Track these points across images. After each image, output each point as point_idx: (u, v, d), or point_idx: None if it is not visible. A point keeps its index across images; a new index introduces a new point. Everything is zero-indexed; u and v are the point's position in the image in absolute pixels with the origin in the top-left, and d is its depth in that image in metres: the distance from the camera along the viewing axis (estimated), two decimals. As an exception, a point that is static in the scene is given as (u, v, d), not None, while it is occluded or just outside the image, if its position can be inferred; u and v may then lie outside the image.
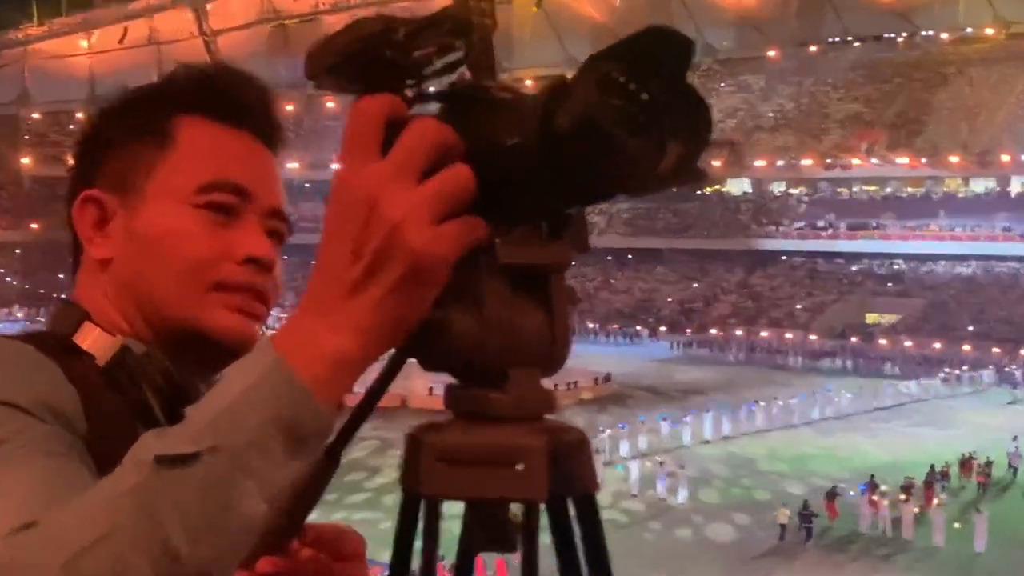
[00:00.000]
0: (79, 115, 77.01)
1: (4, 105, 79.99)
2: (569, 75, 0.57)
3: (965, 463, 28.79)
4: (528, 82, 69.67)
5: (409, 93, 0.65)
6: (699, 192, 63.05)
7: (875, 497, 24.82)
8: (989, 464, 28.57)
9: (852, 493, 25.65)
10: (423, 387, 26.76)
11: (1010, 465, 29.45)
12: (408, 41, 0.63)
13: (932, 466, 27.77)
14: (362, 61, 0.63)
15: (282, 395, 0.59)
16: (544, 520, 0.66)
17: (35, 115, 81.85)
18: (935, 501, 24.85)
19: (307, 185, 61.63)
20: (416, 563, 0.67)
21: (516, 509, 0.65)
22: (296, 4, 77.98)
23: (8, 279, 68.44)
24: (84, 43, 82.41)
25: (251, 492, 0.59)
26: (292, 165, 64.95)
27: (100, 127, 0.95)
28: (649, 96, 0.58)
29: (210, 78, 0.94)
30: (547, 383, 0.67)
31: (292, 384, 0.60)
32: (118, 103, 0.95)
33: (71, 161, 0.97)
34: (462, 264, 0.61)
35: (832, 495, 25.30)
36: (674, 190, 0.60)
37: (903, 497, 24.66)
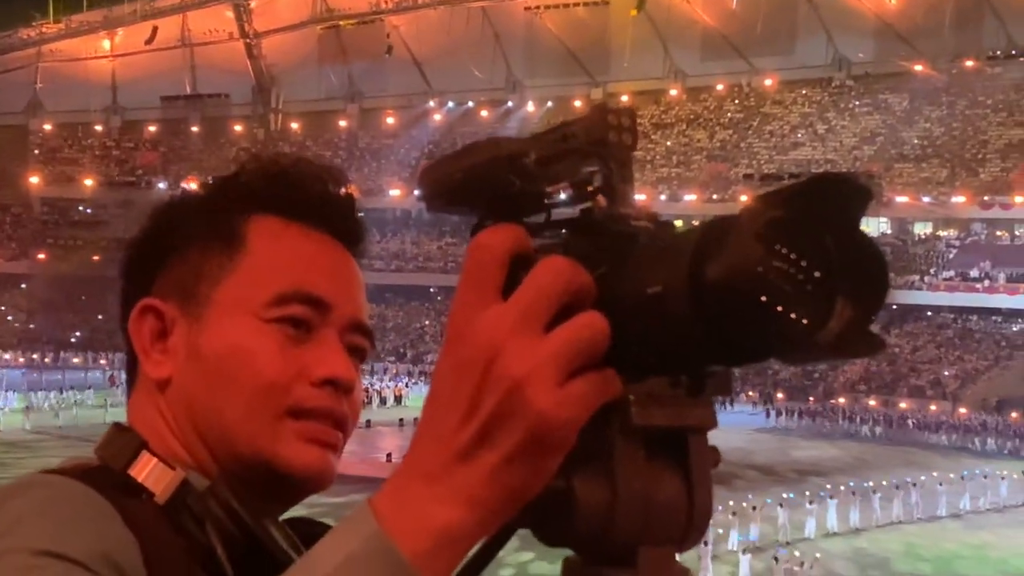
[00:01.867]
0: (98, 127, 71.56)
1: (12, 115, 72.24)
2: (727, 215, 0.50)
3: None
4: (624, 97, 63.11)
5: (535, 222, 0.59)
6: None
7: None
8: None
9: None
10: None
11: None
12: (539, 168, 0.57)
13: None
14: (487, 189, 0.58)
15: (383, 572, 0.53)
16: None
17: (47, 127, 74.39)
18: None
19: (365, 211, 57.32)
20: None
21: None
22: (353, 2, 70.25)
23: (10, 318, 62.15)
24: (106, 44, 74.81)
25: None
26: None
27: (162, 225, 0.88)
28: (818, 254, 0.50)
29: (285, 172, 0.87)
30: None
31: (395, 559, 0.53)
32: (183, 199, 0.90)
33: (126, 263, 0.89)
34: (590, 424, 0.53)
35: None
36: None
37: None
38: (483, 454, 0.52)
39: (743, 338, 0.49)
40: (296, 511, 0.87)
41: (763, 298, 0.47)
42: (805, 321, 0.49)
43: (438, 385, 0.55)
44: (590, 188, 0.57)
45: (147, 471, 0.79)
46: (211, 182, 0.90)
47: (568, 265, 0.53)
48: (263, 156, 0.91)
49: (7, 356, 55.43)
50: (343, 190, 0.89)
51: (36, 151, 70.96)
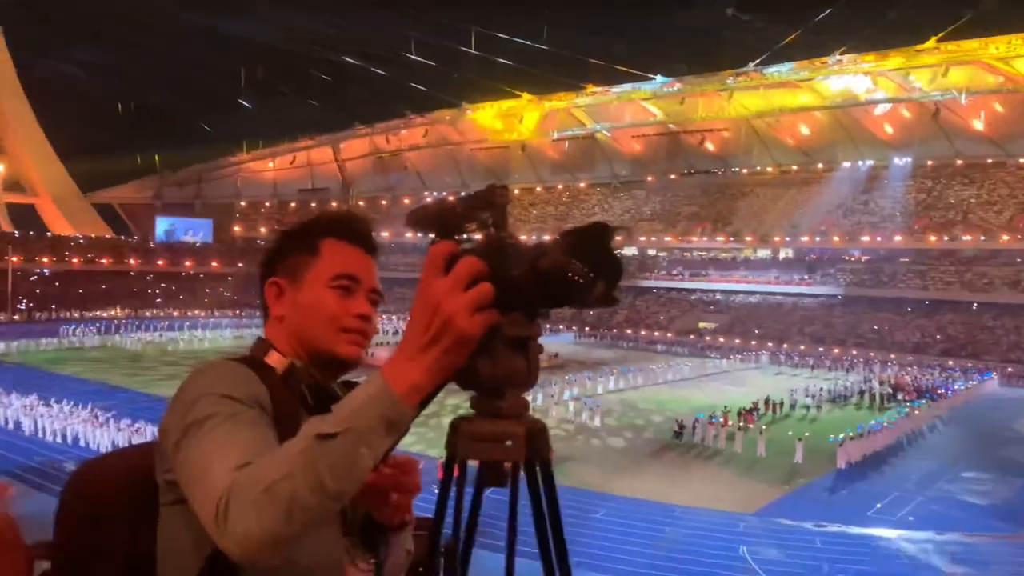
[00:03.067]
0: (267, 203, 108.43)
1: (226, 197, 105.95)
2: (549, 238, 1.09)
3: (761, 404, 36.76)
4: (516, 191, 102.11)
5: (460, 240, 1.16)
6: None
7: (713, 422, 31.05)
8: (768, 404, 37.12)
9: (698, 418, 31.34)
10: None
11: (792, 407, 38.43)
12: (463, 213, 1.17)
13: (757, 402, 36.48)
14: (437, 222, 1.19)
15: (386, 403, 1.08)
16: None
17: (243, 203, 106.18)
18: (740, 424, 31.77)
19: (393, 244, 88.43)
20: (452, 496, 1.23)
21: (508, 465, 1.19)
22: (388, 145, 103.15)
23: (225, 293, 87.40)
24: (271, 164, 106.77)
25: (366, 455, 1.07)
26: (385, 234, 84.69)
27: (281, 242, 1.56)
28: (591, 258, 1.03)
29: (340, 217, 1.56)
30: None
31: (391, 396, 1.08)
32: (291, 228, 1.57)
33: (264, 259, 1.57)
34: (485, 336, 1.10)
35: (721, 413, 32.48)
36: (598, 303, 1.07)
37: (727, 422, 31.79)
38: (433, 349, 1.07)
39: (556, 297, 1.07)
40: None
41: (567, 276, 1.02)
42: (585, 285, 1.03)
43: (413, 315, 1.10)
44: (486, 223, 1.15)
45: (273, 359, 1.45)
46: (308, 219, 1.56)
47: (475, 259, 1.08)
48: (331, 211, 1.65)
49: (227, 312, 79.24)
50: (367, 226, 1.57)
51: (237, 215, 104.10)
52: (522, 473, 1.23)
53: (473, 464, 1.22)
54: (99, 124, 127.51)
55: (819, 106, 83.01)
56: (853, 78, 77.35)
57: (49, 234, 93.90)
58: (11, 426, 30.38)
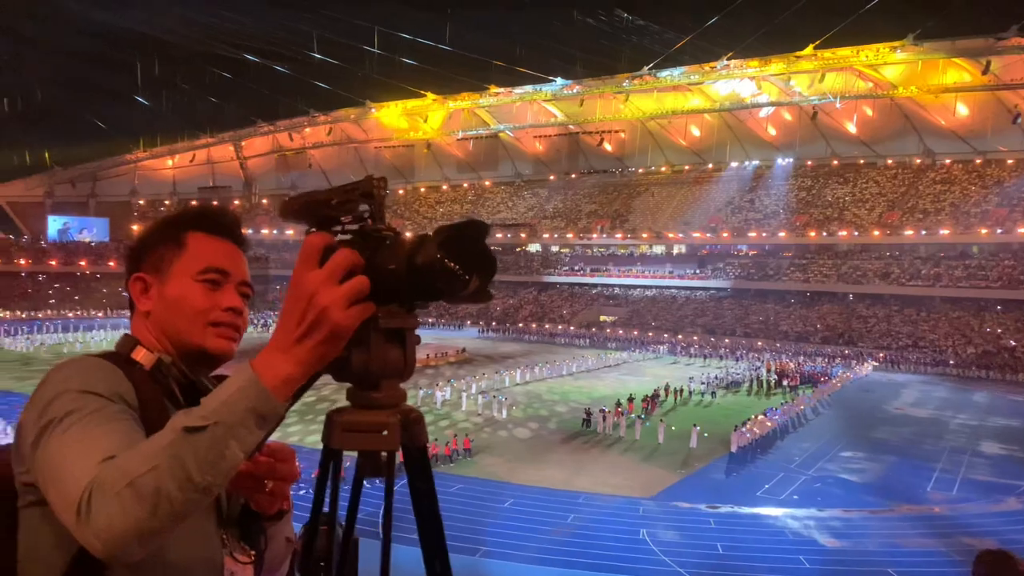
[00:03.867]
0: (167, 202, 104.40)
1: (123, 195, 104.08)
2: (427, 232, 1.03)
3: (660, 392, 37.70)
4: (422, 189, 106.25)
5: (337, 232, 1.13)
6: (516, 250, 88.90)
7: (611, 411, 31.56)
8: (668, 391, 38.32)
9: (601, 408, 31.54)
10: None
11: (689, 394, 39.46)
12: (338, 204, 1.12)
13: (658, 390, 37.58)
14: (312, 213, 1.13)
15: (255, 395, 1.05)
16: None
17: (141, 202, 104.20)
18: (644, 411, 32.80)
19: (295, 242, 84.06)
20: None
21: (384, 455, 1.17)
22: (292, 143, 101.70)
23: (124, 293, 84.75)
24: (169, 162, 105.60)
25: (236, 448, 1.04)
26: (290, 232, 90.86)
27: (145, 237, 1.49)
28: (464, 254, 1.03)
29: (206, 210, 1.50)
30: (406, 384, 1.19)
31: (261, 389, 1.05)
32: (156, 222, 1.49)
33: (128, 253, 1.49)
34: (360, 328, 1.07)
35: (615, 405, 32.21)
36: (474, 298, 1.06)
37: (632, 409, 32.55)
38: (307, 341, 1.05)
39: (430, 291, 1.06)
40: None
41: (441, 271, 1.02)
42: (459, 283, 1.03)
43: (286, 307, 1.06)
44: (363, 216, 1.12)
45: (140, 355, 1.39)
46: (173, 213, 1.49)
47: (350, 252, 1.06)
48: (199, 205, 1.53)
49: (125, 312, 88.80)
50: (234, 219, 1.51)
51: (135, 214, 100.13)
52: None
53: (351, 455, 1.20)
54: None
55: (708, 109, 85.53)
56: (739, 82, 79.91)
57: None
58: None
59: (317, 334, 1.06)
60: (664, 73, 79.37)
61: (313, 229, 1.14)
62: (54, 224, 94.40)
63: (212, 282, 1.45)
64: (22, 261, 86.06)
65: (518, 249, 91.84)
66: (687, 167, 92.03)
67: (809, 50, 69.17)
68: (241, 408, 1.05)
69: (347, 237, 1.13)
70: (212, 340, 1.43)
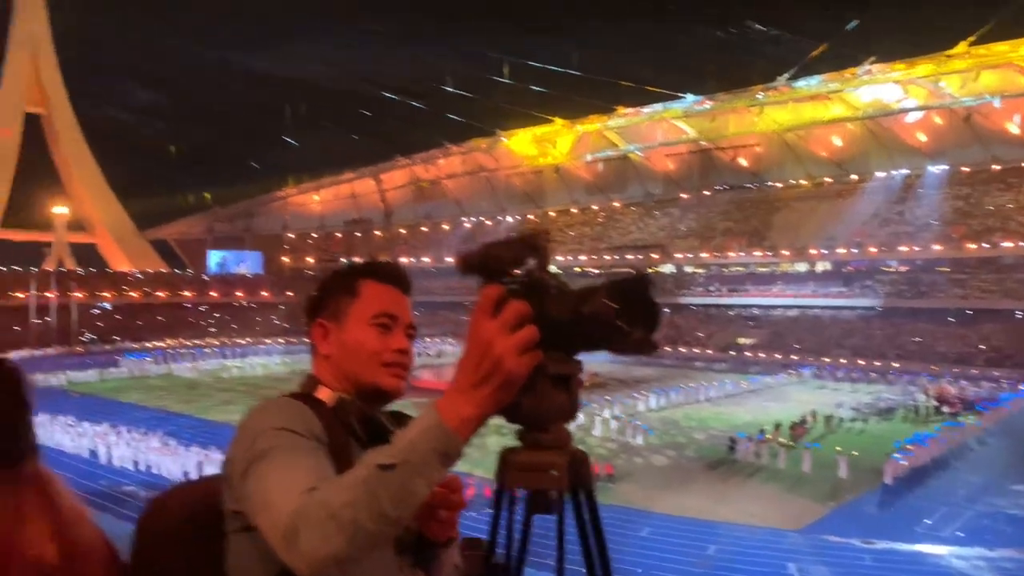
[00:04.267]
0: (314, 234, 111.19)
1: (274, 230, 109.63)
2: (593, 284, 1.13)
3: (808, 418, 35.67)
4: (552, 213, 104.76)
5: (508, 282, 1.22)
6: (648, 272, 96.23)
7: (760, 439, 30.52)
8: (816, 418, 36.24)
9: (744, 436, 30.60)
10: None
11: (839, 421, 36.89)
12: (511, 259, 1.25)
13: (806, 416, 35.73)
14: (486, 267, 1.25)
15: (440, 436, 1.16)
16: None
17: (291, 235, 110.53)
18: (792, 439, 31.37)
19: (433, 269, 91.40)
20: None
21: (553, 494, 1.26)
22: (427, 174, 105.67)
23: (276, 321, 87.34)
24: (316, 196, 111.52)
25: (422, 484, 1.15)
26: (426, 259, 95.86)
27: (324, 286, 1.69)
28: (630, 306, 1.11)
29: (376, 263, 1.68)
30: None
31: (444, 430, 1.16)
32: (333, 273, 1.69)
33: (309, 303, 1.68)
34: (530, 374, 1.16)
35: (773, 427, 31.68)
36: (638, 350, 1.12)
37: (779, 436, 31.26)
38: (484, 387, 1.15)
39: (595, 342, 1.15)
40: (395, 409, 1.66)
41: (608, 322, 1.10)
42: (625, 332, 1.10)
43: (465, 354, 1.18)
44: (531, 267, 1.23)
45: (324, 394, 1.56)
46: (347, 265, 1.70)
47: (522, 303, 1.16)
48: (370, 259, 1.72)
49: (278, 339, 77.44)
50: (400, 268, 1.68)
51: (286, 247, 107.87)
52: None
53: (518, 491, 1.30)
54: (153, 164, 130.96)
55: (850, 117, 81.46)
56: (883, 87, 76.18)
57: (109, 270, 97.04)
58: (86, 453, 30.97)
59: (493, 380, 1.16)
60: (801, 83, 76.65)
61: (486, 281, 1.24)
62: (214, 258, 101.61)
63: (383, 326, 1.61)
64: (187, 293, 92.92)
65: (651, 270, 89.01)
66: (829, 179, 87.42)
67: (962, 47, 64.86)
68: (427, 447, 1.16)
69: (516, 287, 1.22)
70: (385, 379, 1.60)
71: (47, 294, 76.44)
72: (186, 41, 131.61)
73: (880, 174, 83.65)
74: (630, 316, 1.12)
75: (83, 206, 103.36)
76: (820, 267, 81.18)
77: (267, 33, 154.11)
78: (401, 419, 1.61)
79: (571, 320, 1.16)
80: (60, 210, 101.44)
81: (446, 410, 1.18)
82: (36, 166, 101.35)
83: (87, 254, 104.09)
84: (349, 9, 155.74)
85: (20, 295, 76.58)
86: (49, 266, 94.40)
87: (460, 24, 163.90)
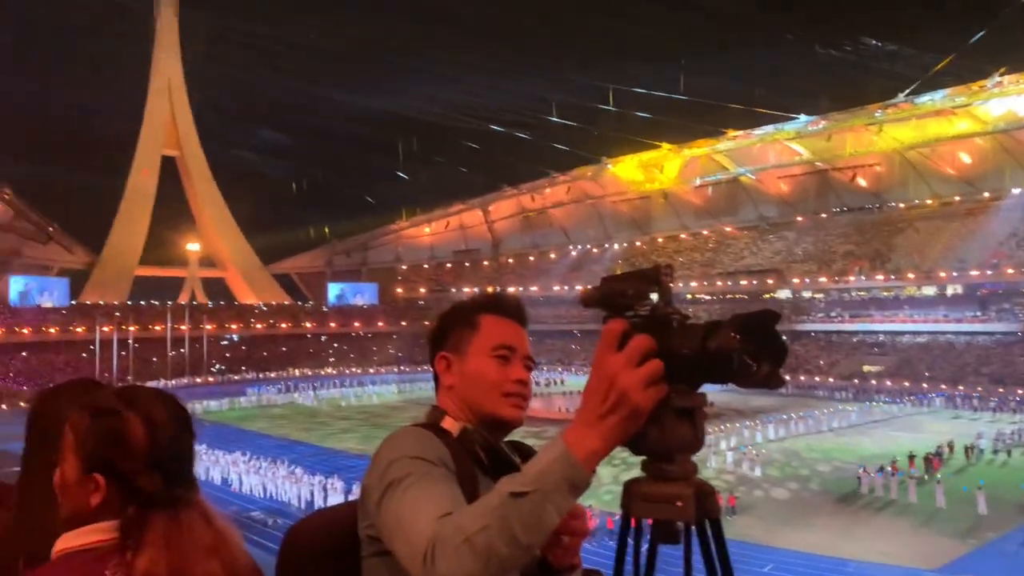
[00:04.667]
0: (424, 265, 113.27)
1: (388, 262, 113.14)
2: (718, 319, 1.17)
3: (944, 449, 34.66)
4: (660, 239, 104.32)
5: (631, 316, 1.26)
6: (764, 297, 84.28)
7: (888, 469, 29.48)
8: (952, 449, 35.33)
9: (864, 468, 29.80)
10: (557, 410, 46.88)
11: (980, 452, 35.97)
12: (634, 294, 1.28)
13: (941, 447, 34.51)
14: (608, 301, 1.29)
15: (568, 466, 1.18)
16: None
17: (403, 267, 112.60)
18: (925, 471, 30.55)
19: (541, 298, 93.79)
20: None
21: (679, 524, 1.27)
22: (533, 204, 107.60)
23: (391, 351, 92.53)
24: (427, 229, 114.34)
25: (552, 512, 1.17)
26: (533, 288, 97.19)
27: (444, 320, 1.75)
28: (756, 341, 1.13)
29: (494, 296, 1.75)
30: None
31: (573, 461, 1.18)
32: (453, 308, 1.77)
33: (431, 335, 1.75)
34: (655, 407, 1.19)
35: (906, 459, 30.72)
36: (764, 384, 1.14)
37: (913, 466, 30.64)
38: (610, 419, 1.18)
39: (721, 375, 1.15)
40: (515, 438, 1.71)
41: (735, 357, 1.11)
42: (751, 367, 1.12)
43: (591, 387, 1.20)
44: (654, 301, 1.26)
45: (449, 424, 1.62)
46: (467, 299, 1.76)
47: (646, 337, 1.18)
48: (487, 292, 1.90)
49: (392, 368, 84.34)
50: (517, 301, 1.75)
51: (399, 278, 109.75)
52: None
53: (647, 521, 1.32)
54: (276, 202, 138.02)
55: (980, 132, 77.10)
56: (1016, 99, 71.72)
57: (236, 303, 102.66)
58: (218, 480, 32.87)
59: (619, 413, 1.18)
60: (923, 98, 73.45)
61: (610, 316, 1.27)
62: (333, 290, 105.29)
63: (503, 357, 1.67)
64: (308, 324, 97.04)
65: (766, 296, 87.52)
66: (957, 198, 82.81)
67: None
68: (556, 477, 1.18)
69: (639, 321, 1.24)
70: (506, 409, 1.66)
71: (181, 327, 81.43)
72: (306, 83, 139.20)
73: (1016, 191, 78.46)
74: (756, 351, 1.12)
75: (213, 243, 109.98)
76: (951, 290, 77.07)
77: (382, 73, 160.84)
78: (521, 449, 1.71)
79: (697, 355, 1.17)
80: (193, 247, 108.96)
81: (574, 442, 1.19)
82: (171, 206, 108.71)
83: (216, 288, 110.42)
84: (456, 46, 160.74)
85: (158, 328, 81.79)
86: (183, 300, 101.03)
87: (564, 53, 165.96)
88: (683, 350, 1.19)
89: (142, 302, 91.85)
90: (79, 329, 77.74)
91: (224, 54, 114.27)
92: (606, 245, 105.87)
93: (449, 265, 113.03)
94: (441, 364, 1.71)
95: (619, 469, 25.44)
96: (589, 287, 1.36)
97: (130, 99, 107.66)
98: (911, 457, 32.06)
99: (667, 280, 1.28)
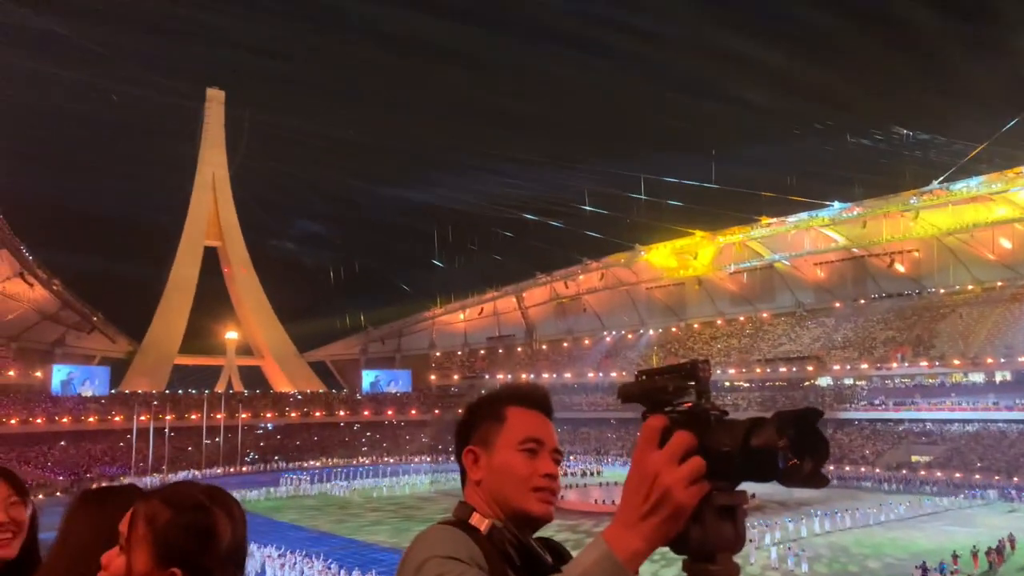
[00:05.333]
0: (459, 352, 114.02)
1: (422, 349, 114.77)
2: (760, 415, 1.16)
3: (1006, 544, 33.55)
4: (695, 325, 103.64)
5: (670, 412, 1.26)
6: (803, 385, 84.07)
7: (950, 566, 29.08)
8: (1013, 544, 34.19)
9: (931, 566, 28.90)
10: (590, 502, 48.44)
11: None
12: (674, 391, 1.27)
13: (1003, 540, 33.56)
14: (647, 396, 1.29)
15: (610, 568, 1.16)
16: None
17: (437, 353, 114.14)
18: (990, 565, 29.91)
19: (575, 385, 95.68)
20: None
21: None
22: (567, 290, 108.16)
23: (424, 439, 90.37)
24: (461, 315, 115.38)
25: None
26: (567, 375, 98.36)
27: (472, 413, 1.76)
28: (800, 437, 1.13)
29: (520, 387, 1.74)
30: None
31: (615, 562, 1.16)
32: (480, 400, 1.77)
33: (459, 428, 1.76)
34: (697, 504, 1.19)
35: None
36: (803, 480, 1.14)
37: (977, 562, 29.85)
38: (652, 519, 1.16)
39: (765, 472, 1.15)
40: (548, 535, 1.72)
41: (778, 455, 1.12)
42: (794, 465, 1.12)
43: (631, 485, 1.19)
44: (692, 398, 1.26)
45: (476, 520, 1.59)
46: (493, 392, 1.76)
47: (687, 435, 1.18)
48: (514, 382, 1.83)
49: (425, 457, 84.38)
50: (544, 392, 1.75)
51: (433, 364, 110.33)
52: None
53: None
54: (313, 290, 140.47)
55: (1019, 218, 76.58)
56: (1054, 185, 71.17)
57: (271, 392, 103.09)
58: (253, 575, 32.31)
59: (662, 512, 1.17)
60: (959, 185, 73.72)
61: (648, 412, 1.28)
62: (367, 377, 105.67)
63: (530, 451, 1.67)
64: (341, 412, 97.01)
65: (805, 384, 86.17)
66: (1000, 283, 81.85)
67: None
68: None
69: (678, 417, 1.25)
70: (535, 504, 1.64)
71: (216, 415, 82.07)
72: (345, 175, 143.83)
73: (1061, 275, 76.74)
74: (800, 449, 1.13)
75: (251, 331, 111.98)
76: (999, 377, 74.69)
77: (418, 165, 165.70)
78: (551, 546, 1.70)
79: (739, 452, 1.17)
80: (231, 335, 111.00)
81: (615, 541, 1.18)
82: (211, 295, 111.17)
83: (253, 376, 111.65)
84: (490, 138, 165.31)
85: (194, 416, 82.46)
86: (220, 388, 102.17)
87: (597, 144, 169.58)
88: (724, 447, 1.18)
89: (179, 391, 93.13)
90: (117, 418, 78.65)
91: (267, 149, 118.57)
92: (640, 331, 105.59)
93: (483, 352, 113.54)
94: (469, 458, 1.72)
95: (659, 565, 24.76)
96: (627, 382, 1.36)
97: (175, 193, 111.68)
98: (974, 553, 30.77)
99: (705, 375, 1.27)
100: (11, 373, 77.43)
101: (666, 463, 1.17)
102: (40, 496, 53.16)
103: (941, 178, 73.32)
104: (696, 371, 1.28)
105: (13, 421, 70.95)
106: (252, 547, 34.35)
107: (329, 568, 30.20)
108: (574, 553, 1.31)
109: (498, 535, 1.59)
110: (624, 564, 1.17)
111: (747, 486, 1.23)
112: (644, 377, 1.34)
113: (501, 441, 1.68)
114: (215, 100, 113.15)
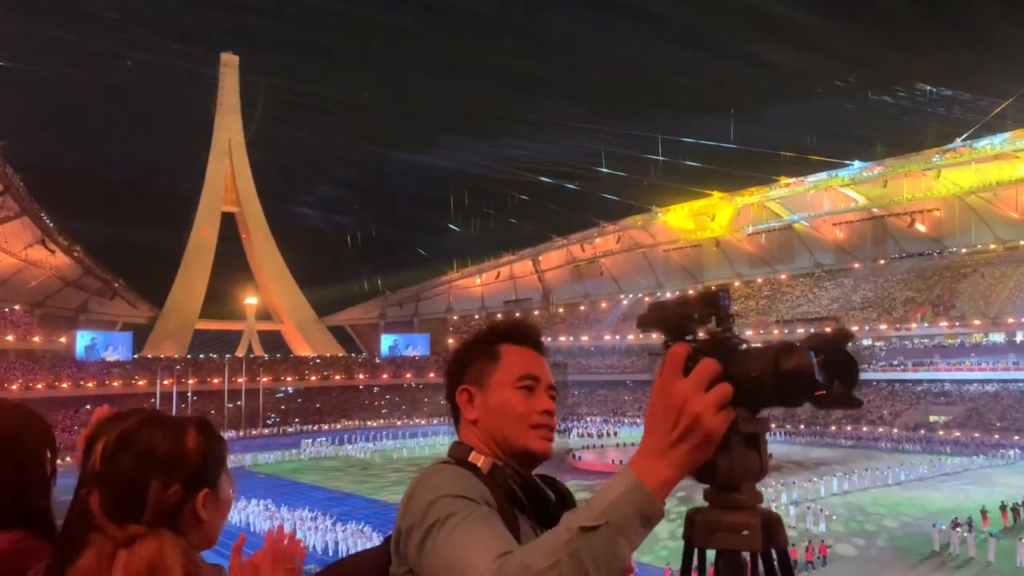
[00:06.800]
0: (476, 316, 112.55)
1: (439, 313, 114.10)
2: (789, 341, 1.14)
3: (1015, 507, 32.47)
4: (714, 287, 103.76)
5: (692, 340, 1.24)
6: None
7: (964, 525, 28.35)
8: None
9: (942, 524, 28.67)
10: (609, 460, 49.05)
11: None
12: (697, 319, 1.25)
13: (1018, 503, 32.55)
14: (670, 325, 1.27)
15: (640, 498, 1.13)
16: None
17: (455, 318, 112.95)
18: (1006, 526, 29.96)
19: (592, 348, 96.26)
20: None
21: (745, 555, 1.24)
22: (583, 253, 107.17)
23: (442, 401, 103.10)
24: (478, 280, 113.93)
25: (625, 546, 1.11)
26: (584, 338, 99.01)
27: (464, 352, 1.71)
28: (831, 360, 1.11)
29: (512, 324, 1.72)
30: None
31: (644, 492, 1.13)
32: (471, 339, 1.73)
33: (449, 368, 1.70)
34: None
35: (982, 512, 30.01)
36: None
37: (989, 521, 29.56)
38: (681, 446, 1.14)
39: (795, 396, 1.13)
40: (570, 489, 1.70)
41: (810, 377, 1.09)
42: (827, 386, 1.10)
43: (655, 414, 1.16)
44: (715, 326, 1.24)
45: (475, 459, 1.58)
46: (485, 330, 1.73)
47: (714, 361, 1.15)
48: (504, 320, 1.78)
49: (443, 419, 71.85)
50: (536, 330, 1.72)
51: (451, 328, 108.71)
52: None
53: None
54: (331, 255, 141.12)
55: (1045, 174, 74.76)
56: (1082, 141, 69.81)
57: (291, 356, 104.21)
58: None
59: (691, 439, 1.14)
60: (982, 143, 72.28)
61: (671, 340, 1.24)
62: (386, 342, 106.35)
63: (527, 388, 1.64)
64: (360, 376, 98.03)
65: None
66: (1023, 242, 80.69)
67: None
68: (629, 510, 1.13)
69: (701, 345, 1.23)
70: (535, 441, 1.62)
71: (238, 379, 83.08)
72: (362, 141, 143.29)
73: (1086, 233, 75.57)
74: (830, 371, 1.12)
75: (270, 296, 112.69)
76: (1020, 336, 73.79)
77: (434, 129, 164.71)
78: (554, 484, 1.66)
79: (771, 377, 1.15)
80: (251, 300, 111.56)
81: (644, 472, 1.15)
82: (230, 261, 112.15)
83: (273, 341, 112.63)
84: (506, 101, 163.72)
85: (215, 381, 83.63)
86: (240, 353, 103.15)
87: (614, 105, 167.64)
88: (752, 373, 1.16)
89: (201, 355, 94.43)
90: (140, 382, 79.84)
91: (282, 114, 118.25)
92: (657, 294, 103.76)
93: (500, 316, 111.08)
94: (463, 397, 1.67)
95: (675, 525, 24.94)
96: (643, 313, 1.32)
97: (193, 159, 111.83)
98: (984, 512, 30.71)
99: (726, 304, 1.25)
100: (36, 339, 78.61)
101: (694, 390, 1.14)
102: (68, 459, 54.44)
103: (965, 135, 71.80)
104: (716, 300, 1.25)
105: (40, 386, 71.96)
106: (281, 510, 34.54)
107: (362, 531, 30.47)
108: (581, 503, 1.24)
109: (500, 473, 1.56)
110: (654, 494, 1.14)
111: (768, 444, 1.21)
112: (658, 308, 1.31)
113: (496, 379, 1.64)
114: (230, 65, 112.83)
